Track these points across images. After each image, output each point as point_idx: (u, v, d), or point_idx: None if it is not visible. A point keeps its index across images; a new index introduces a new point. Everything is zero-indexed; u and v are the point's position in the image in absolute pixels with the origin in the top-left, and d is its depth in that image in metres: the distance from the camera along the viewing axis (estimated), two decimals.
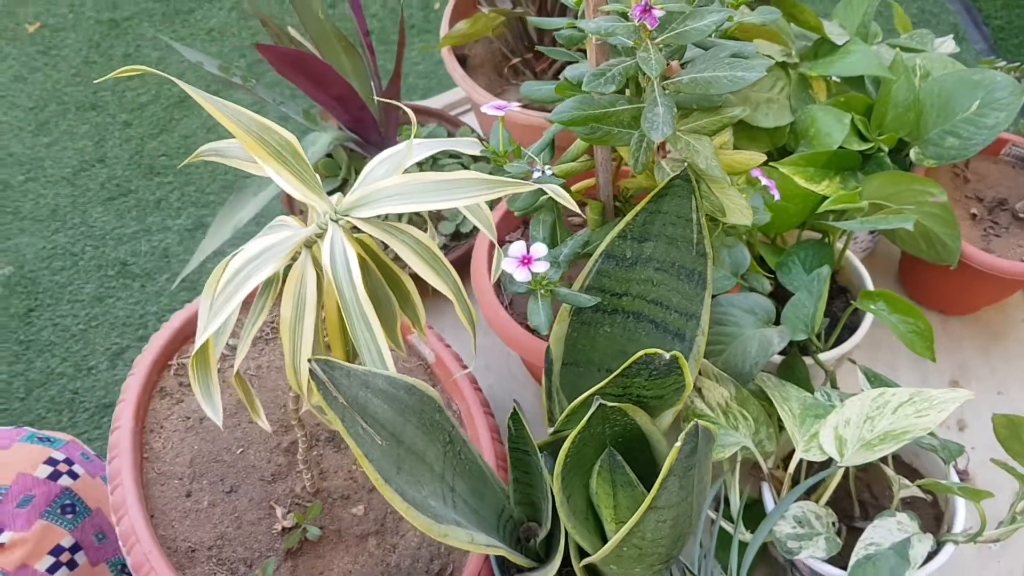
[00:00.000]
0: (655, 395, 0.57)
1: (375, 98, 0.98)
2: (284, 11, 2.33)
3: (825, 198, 0.85)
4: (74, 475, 0.89)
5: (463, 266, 1.07)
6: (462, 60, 1.04)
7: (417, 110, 1.11)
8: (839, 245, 0.89)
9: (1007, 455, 0.78)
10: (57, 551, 0.84)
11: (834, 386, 0.85)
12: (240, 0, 2.37)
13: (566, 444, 0.55)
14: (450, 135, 1.09)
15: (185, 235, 1.89)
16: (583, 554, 0.67)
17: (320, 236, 0.63)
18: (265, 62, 2.20)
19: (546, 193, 0.72)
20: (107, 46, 2.29)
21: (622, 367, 0.53)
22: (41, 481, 0.87)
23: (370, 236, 0.67)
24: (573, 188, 0.73)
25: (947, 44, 0.98)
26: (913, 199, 0.85)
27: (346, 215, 0.61)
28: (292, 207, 1.06)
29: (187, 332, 0.89)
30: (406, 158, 0.60)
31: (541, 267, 0.61)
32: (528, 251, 0.62)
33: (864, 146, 0.89)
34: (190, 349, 0.89)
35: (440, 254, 0.62)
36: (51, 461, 0.89)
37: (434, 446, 0.64)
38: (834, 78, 0.91)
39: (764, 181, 0.64)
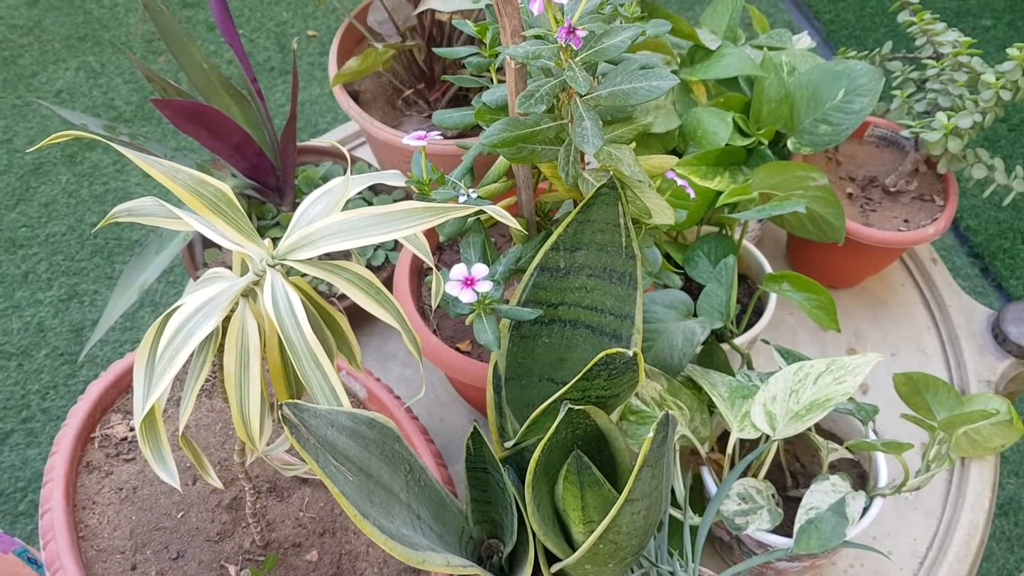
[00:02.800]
0: (612, 394, 0.60)
1: (278, 142, 0.97)
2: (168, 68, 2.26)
3: (719, 193, 0.91)
4: None
5: None
6: (354, 96, 1.05)
7: (311, 150, 1.11)
8: (737, 236, 0.94)
9: (910, 410, 0.85)
10: None
11: (751, 367, 0.90)
12: (87, 60, 2.28)
13: (537, 452, 0.57)
14: (345, 172, 1.09)
15: (60, 306, 1.81)
16: (550, 561, 0.68)
17: (257, 284, 0.63)
18: (134, 121, 2.13)
19: (471, 216, 0.74)
20: None
21: (585, 369, 0.55)
22: None
23: (300, 277, 0.67)
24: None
25: (804, 40, 1.06)
26: (798, 185, 0.92)
27: (284, 259, 0.61)
28: (194, 262, 1.04)
29: (105, 403, 0.86)
30: (344, 195, 0.60)
31: (485, 287, 0.63)
32: (469, 272, 0.63)
33: (746, 141, 0.95)
34: (112, 419, 0.86)
35: (382, 287, 0.63)
36: None
37: (398, 476, 0.64)
38: (712, 81, 0.97)
39: (679, 182, 0.68)
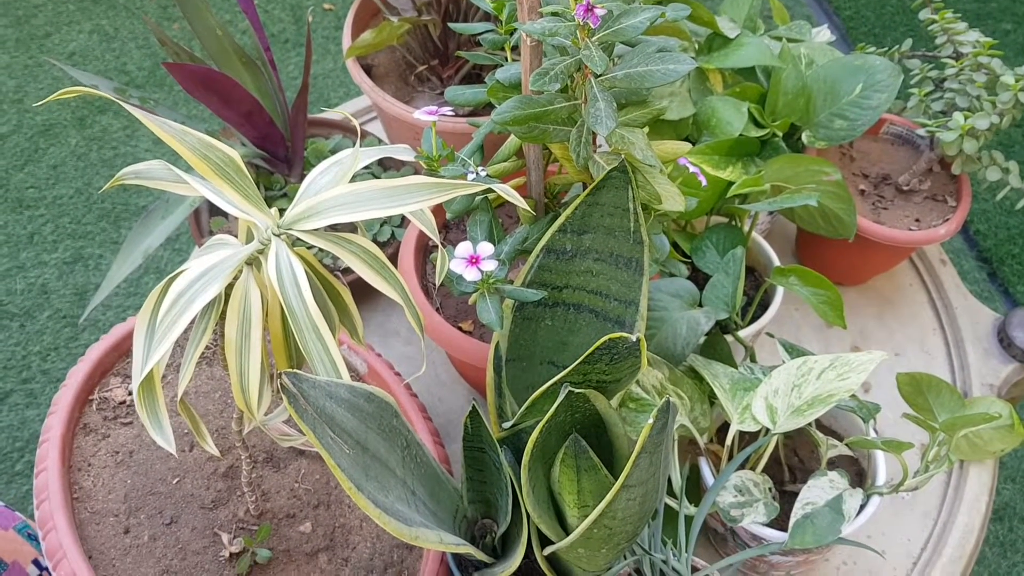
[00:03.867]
0: (613, 379, 0.60)
1: (290, 112, 0.97)
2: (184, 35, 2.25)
3: (731, 183, 0.90)
4: None
5: None
6: (367, 70, 1.04)
7: (320, 123, 1.10)
8: (746, 227, 0.93)
9: (912, 410, 0.84)
10: None
11: (753, 360, 0.89)
12: (100, 24, 2.27)
13: (535, 434, 0.57)
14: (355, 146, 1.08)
15: (64, 269, 1.81)
16: (544, 544, 0.68)
17: (262, 252, 0.62)
18: (145, 86, 2.13)
19: (480, 194, 0.73)
20: None
21: (587, 353, 0.55)
22: None
23: (306, 249, 0.67)
24: None
25: (823, 33, 1.05)
26: (810, 179, 0.91)
27: (289, 229, 0.61)
28: (200, 230, 1.03)
29: (106, 365, 0.86)
30: (352, 167, 0.60)
31: (490, 266, 0.62)
32: (475, 251, 0.63)
33: (760, 132, 0.94)
34: (111, 382, 0.86)
35: (387, 262, 0.62)
36: None
37: (394, 452, 0.64)
38: (729, 70, 0.96)
39: (692, 168, 0.67)
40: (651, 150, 0.59)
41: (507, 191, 0.56)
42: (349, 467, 0.56)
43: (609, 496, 0.54)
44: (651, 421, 0.50)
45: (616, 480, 0.62)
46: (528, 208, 0.55)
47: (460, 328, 0.86)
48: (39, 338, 1.72)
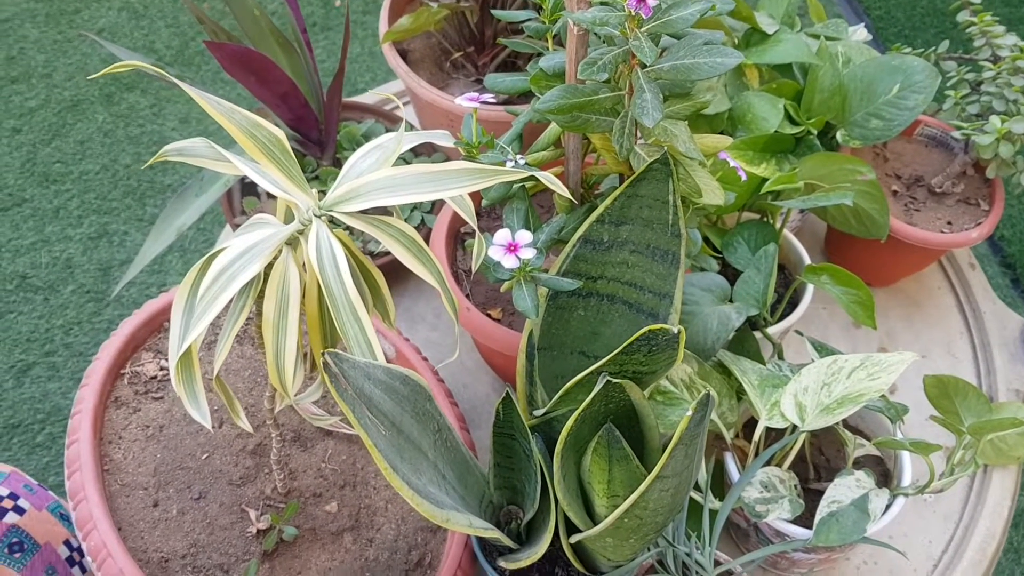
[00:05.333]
0: (649, 371, 0.60)
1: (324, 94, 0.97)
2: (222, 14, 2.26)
3: (764, 180, 0.90)
4: (20, 510, 0.86)
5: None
6: (403, 55, 1.04)
7: (353, 107, 1.10)
8: (778, 224, 0.93)
9: (938, 413, 0.84)
10: None
11: (781, 358, 0.89)
12: (130, 1, 2.28)
13: (570, 422, 0.57)
14: (388, 131, 1.09)
15: (89, 244, 1.82)
16: (570, 532, 0.69)
17: (301, 233, 0.62)
18: (174, 64, 2.13)
19: (517, 183, 0.73)
20: None
21: (625, 343, 0.55)
22: None
23: (343, 231, 0.67)
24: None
25: (860, 32, 1.05)
26: (844, 178, 0.91)
27: (331, 210, 0.61)
28: (232, 209, 1.04)
29: (138, 340, 0.87)
30: (396, 150, 0.60)
31: (528, 253, 0.62)
32: (513, 238, 0.63)
33: (795, 130, 0.94)
34: (142, 357, 0.87)
35: (425, 245, 0.63)
36: None
37: (427, 435, 0.64)
38: (766, 66, 0.95)
39: (732, 163, 0.67)
40: (694, 143, 0.60)
41: (550, 179, 0.56)
42: (385, 448, 0.56)
43: (643, 486, 0.54)
44: (690, 413, 0.51)
45: (646, 472, 0.63)
46: (570, 196, 0.55)
47: (489, 315, 0.86)
48: (62, 312, 1.73)
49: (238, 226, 1.04)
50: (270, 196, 1.04)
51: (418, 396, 0.63)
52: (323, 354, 0.53)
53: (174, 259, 1.81)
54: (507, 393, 0.63)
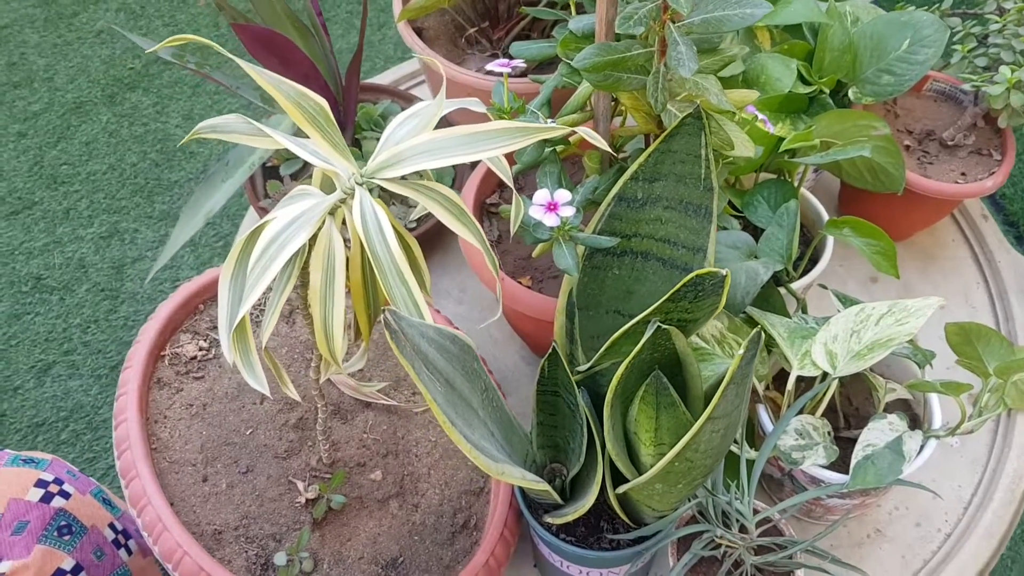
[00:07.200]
0: (693, 318, 0.62)
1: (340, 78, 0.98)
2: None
3: (781, 139, 0.91)
4: (66, 495, 0.87)
5: (436, 236, 1.09)
6: (418, 33, 1.05)
7: (369, 88, 1.12)
8: (796, 182, 0.95)
9: (958, 362, 0.86)
10: (59, 575, 0.82)
11: (805, 311, 0.91)
12: (127, 1, 2.29)
13: (620, 370, 0.59)
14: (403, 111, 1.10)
15: (100, 243, 1.83)
16: (616, 484, 0.70)
17: (344, 202, 0.64)
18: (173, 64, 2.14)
19: (548, 146, 0.75)
20: None
21: (673, 289, 0.57)
22: (34, 505, 0.84)
23: (379, 200, 0.69)
24: (571, 139, 0.76)
25: None
26: (859, 134, 0.92)
27: (372, 177, 0.63)
28: (255, 193, 1.05)
29: (175, 323, 0.88)
30: (437, 114, 0.62)
31: (568, 211, 0.64)
32: (552, 197, 0.65)
33: (808, 89, 0.95)
34: (181, 339, 0.88)
35: (466, 208, 0.64)
36: (41, 483, 0.87)
37: (476, 393, 0.66)
38: (777, 27, 0.97)
39: (759, 116, 0.69)
40: (724, 95, 0.61)
41: (589, 134, 0.58)
42: (443, 403, 0.58)
43: (696, 426, 0.56)
44: (741, 352, 0.52)
45: (692, 419, 0.65)
46: (610, 150, 0.57)
47: (519, 283, 0.88)
48: (79, 311, 1.74)
49: (263, 209, 1.06)
50: (293, 178, 1.05)
51: (467, 355, 0.65)
52: (384, 310, 0.54)
53: (186, 254, 1.82)
54: (553, 348, 0.65)
